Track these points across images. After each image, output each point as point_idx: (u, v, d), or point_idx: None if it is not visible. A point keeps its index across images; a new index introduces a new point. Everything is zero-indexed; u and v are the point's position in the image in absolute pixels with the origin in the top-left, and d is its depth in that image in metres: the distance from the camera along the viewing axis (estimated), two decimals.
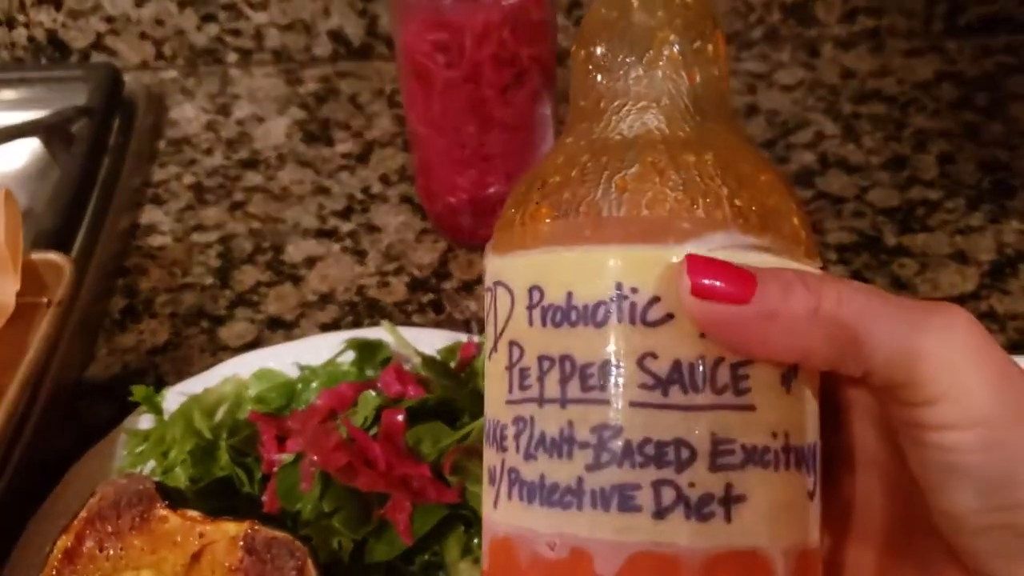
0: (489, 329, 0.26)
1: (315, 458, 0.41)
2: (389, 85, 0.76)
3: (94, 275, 0.59)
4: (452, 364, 0.48)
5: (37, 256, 0.48)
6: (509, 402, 0.25)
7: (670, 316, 0.23)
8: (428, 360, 0.47)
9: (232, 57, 0.80)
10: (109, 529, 0.39)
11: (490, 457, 0.25)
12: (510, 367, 0.25)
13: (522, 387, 0.24)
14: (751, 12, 0.77)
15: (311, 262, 0.61)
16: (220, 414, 0.47)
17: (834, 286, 0.23)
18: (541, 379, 0.24)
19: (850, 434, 0.27)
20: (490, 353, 0.26)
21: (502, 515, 0.25)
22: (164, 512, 0.39)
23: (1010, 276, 0.57)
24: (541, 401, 0.24)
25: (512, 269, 0.25)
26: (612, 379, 0.23)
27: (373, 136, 0.71)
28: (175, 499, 0.40)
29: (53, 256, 0.49)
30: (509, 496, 0.24)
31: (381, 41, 0.78)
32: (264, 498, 0.43)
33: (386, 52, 0.78)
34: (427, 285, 0.59)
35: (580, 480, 0.23)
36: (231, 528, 0.39)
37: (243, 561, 0.38)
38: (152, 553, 0.39)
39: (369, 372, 0.48)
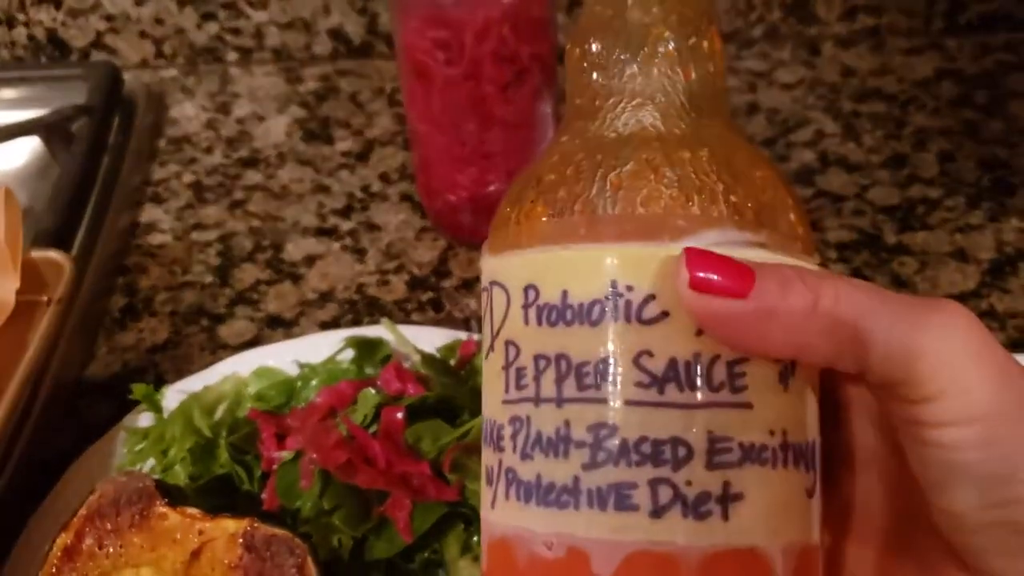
0: (486, 329, 0.26)
1: (315, 456, 0.41)
2: (389, 83, 0.76)
3: (94, 273, 0.59)
4: (452, 362, 0.48)
5: (37, 254, 0.48)
6: (506, 402, 0.24)
7: (665, 314, 0.23)
8: (428, 358, 0.47)
9: (232, 56, 0.80)
10: (109, 527, 0.39)
11: (488, 457, 0.25)
12: (506, 367, 0.24)
13: (518, 387, 0.24)
14: (751, 10, 0.77)
15: (311, 260, 0.61)
16: (220, 412, 0.47)
17: (832, 282, 0.22)
18: (537, 379, 0.24)
19: (849, 432, 0.27)
20: (487, 353, 0.26)
21: (500, 515, 0.24)
22: (164, 510, 0.39)
23: (1010, 274, 0.57)
24: (537, 401, 0.24)
25: (508, 268, 0.25)
26: (608, 378, 0.23)
27: (373, 134, 0.71)
28: (175, 497, 0.40)
29: (53, 254, 0.49)
30: (506, 496, 0.24)
31: (381, 39, 0.78)
32: (264, 496, 0.43)
33: (386, 50, 0.78)
34: (427, 283, 0.59)
35: (577, 479, 0.23)
36: (231, 525, 0.39)
37: (243, 558, 0.38)
38: (152, 551, 0.39)
39: (369, 370, 0.48)
